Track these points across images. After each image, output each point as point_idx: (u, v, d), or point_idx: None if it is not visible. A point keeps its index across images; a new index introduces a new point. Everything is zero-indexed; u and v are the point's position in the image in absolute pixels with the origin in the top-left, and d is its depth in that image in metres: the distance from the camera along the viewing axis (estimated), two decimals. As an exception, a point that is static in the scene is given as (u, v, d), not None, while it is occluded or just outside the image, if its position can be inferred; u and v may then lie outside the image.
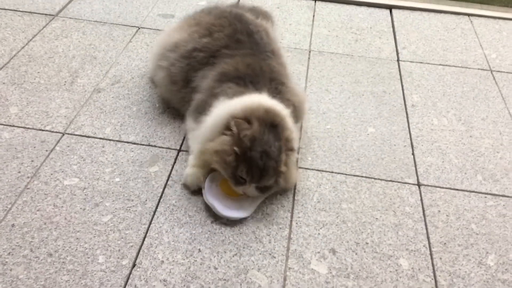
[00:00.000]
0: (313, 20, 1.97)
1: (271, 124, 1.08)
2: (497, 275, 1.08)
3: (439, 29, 1.95)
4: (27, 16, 1.84)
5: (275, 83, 1.23)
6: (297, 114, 1.23)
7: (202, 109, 1.18)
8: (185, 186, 1.20)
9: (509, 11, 2.07)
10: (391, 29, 1.94)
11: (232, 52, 1.27)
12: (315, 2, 2.10)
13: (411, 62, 1.75)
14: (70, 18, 1.85)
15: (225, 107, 1.11)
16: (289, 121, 1.14)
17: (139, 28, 1.82)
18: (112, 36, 1.76)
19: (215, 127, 1.10)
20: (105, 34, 1.77)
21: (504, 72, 1.72)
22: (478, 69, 1.73)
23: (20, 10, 1.87)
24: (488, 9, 2.06)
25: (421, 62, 1.75)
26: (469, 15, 2.04)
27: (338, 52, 1.78)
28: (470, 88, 1.63)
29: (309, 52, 1.77)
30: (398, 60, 1.75)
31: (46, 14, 1.86)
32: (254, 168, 1.05)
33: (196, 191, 1.20)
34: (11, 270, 1.02)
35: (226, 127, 1.08)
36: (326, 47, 1.80)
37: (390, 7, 2.07)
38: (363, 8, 2.07)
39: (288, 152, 1.10)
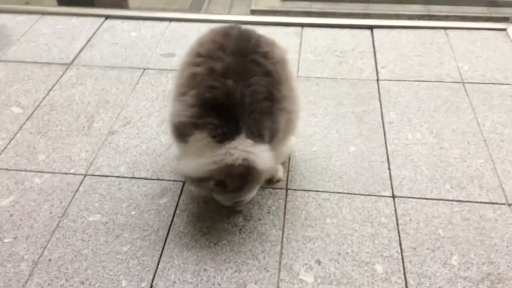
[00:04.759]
0: (300, 46, 2.16)
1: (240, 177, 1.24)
2: (459, 273, 1.26)
3: (416, 45, 2.13)
4: (45, 67, 2.08)
5: (255, 114, 1.23)
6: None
7: (182, 135, 1.30)
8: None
9: (482, 22, 2.22)
10: (372, 49, 2.12)
11: (213, 64, 1.25)
12: (302, 28, 2.29)
13: (389, 80, 1.93)
14: (83, 65, 2.08)
15: (205, 165, 1.24)
16: (260, 165, 1.24)
17: (144, 70, 2.05)
18: (121, 80, 1.99)
19: (196, 173, 1.27)
20: (115, 78, 2.00)
21: (475, 83, 1.89)
22: (451, 82, 1.91)
23: (39, 61, 2.12)
24: (463, 20, 2.22)
25: (398, 80, 1.93)
26: (445, 28, 2.21)
27: (323, 76, 1.97)
28: (442, 102, 1.81)
29: (297, 78, 1.96)
30: (377, 80, 1.94)
31: (61, 64, 2.10)
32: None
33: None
34: (52, 297, 1.24)
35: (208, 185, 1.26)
36: (312, 72, 2.00)
37: (371, 27, 2.25)
38: (346, 30, 2.26)
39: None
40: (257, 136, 1.24)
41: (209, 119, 1.23)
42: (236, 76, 1.24)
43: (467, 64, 2.00)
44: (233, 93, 1.22)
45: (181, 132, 1.30)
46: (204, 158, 1.25)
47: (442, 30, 2.21)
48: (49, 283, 1.27)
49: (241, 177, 1.24)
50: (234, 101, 1.23)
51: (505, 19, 2.21)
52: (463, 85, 1.88)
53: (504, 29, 2.18)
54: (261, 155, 1.24)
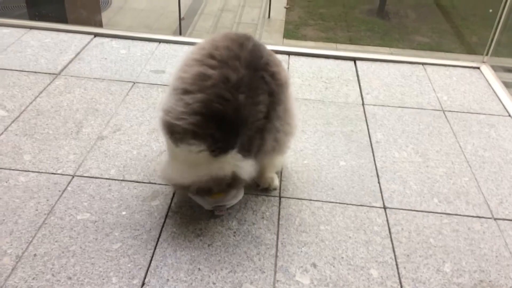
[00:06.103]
0: (287, 71, 2.23)
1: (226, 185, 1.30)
2: (452, 279, 1.28)
3: (397, 76, 2.24)
4: (32, 76, 2.05)
5: (252, 132, 1.27)
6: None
7: (175, 137, 1.28)
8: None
9: (457, 58, 2.37)
10: (356, 77, 2.22)
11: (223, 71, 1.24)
12: (289, 56, 2.37)
13: (374, 105, 2.01)
14: (71, 76, 2.07)
15: (195, 175, 1.27)
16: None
17: (134, 83, 2.05)
18: (110, 91, 1.98)
19: (183, 180, 1.31)
20: (104, 89, 1.99)
21: (454, 111, 1.99)
22: (432, 109, 2.00)
23: (26, 70, 2.09)
24: (439, 57, 2.36)
25: (383, 105, 2.01)
26: (423, 64, 2.34)
27: (311, 98, 2.03)
28: (425, 126, 1.89)
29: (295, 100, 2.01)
30: (363, 104, 2.01)
31: (49, 73, 2.07)
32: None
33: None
34: (36, 291, 1.17)
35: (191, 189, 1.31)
36: (301, 95, 2.05)
37: (354, 59, 2.36)
38: (331, 61, 2.35)
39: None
40: (247, 151, 1.28)
41: (211, 131, 1.22)
42: (247, 91, 1.24)
43: (446, 95, 2.11)
44: (242, 109, 1.23)
45: (175, 135, 1.27)
46: (195, 168, 1.25)
47: (421, 65, 2.34)
48: (33, 277, 1.20)
49: (227, 185, 1.30)
50: (240, 117, 1.24)
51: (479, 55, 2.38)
52: (443, 112, 1.98)
53: (478, 68, 2.33)
54: (246, 168, 1.29)
